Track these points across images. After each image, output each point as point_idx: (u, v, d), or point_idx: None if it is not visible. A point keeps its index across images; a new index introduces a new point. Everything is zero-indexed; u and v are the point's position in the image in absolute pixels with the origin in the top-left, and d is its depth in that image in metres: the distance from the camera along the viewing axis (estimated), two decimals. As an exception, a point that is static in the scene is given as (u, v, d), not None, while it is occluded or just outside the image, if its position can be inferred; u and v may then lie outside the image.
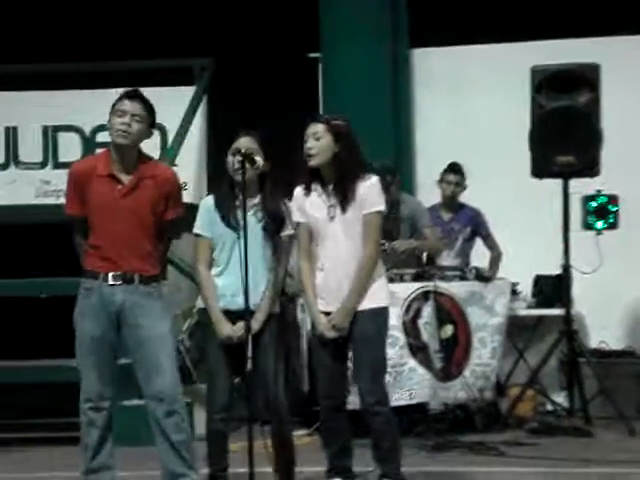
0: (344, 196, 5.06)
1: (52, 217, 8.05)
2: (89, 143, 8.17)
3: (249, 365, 4.81)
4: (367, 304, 5.08)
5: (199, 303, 5.29)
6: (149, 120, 4.96)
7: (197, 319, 7.91)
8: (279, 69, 8.89)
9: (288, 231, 5.19)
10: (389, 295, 5.31)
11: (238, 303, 4.98)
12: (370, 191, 5.09)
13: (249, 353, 4.82)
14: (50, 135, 8.21)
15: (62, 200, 8.00)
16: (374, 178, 5.13)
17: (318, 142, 5.07)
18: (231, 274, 5.06)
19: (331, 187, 5.11)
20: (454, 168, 8.00)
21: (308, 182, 5.15)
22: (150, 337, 4.92)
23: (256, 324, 5.06)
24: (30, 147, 8.19)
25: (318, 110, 8.83)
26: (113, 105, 4.95)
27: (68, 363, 7.37)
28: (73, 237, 5.06)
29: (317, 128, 5.09)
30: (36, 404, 7.53)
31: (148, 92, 5.04)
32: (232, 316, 5.07)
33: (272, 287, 5.15)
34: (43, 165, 8.20)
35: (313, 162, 5.09)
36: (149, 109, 4.96)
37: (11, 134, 8.21)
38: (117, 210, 4.91)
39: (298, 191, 5.20)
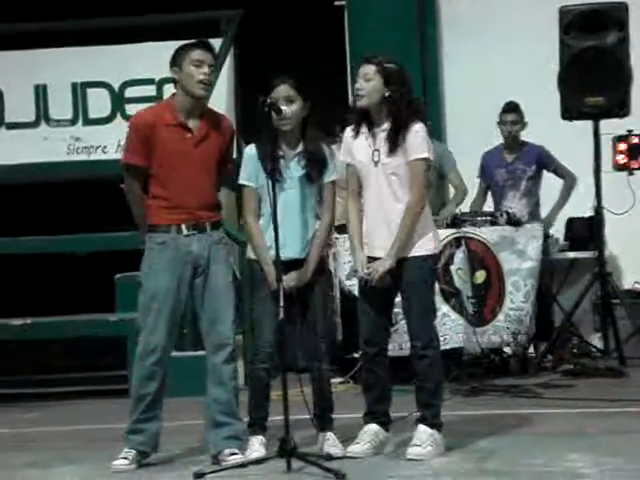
0: (392, 141, 4.97)
1: (84, 174, 8.16)
2: (118, 99, 8.18)
3: (281, 314, 4.82)
4: (416, 251, 5.01)
5: (249, 254, 5.20)
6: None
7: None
8: (306, 17, 8.85)
9: (332, 176, 5.13)
10: (439, 245, 5.25)
11: (285, 253, 4.94)
12: (414, 138, 4.98)
13: (281, 302, 4.84)
14: (79, 92, 8.22)
15: (93, 156, 8.19)
16: (418, 124, 5.01)
17: (367, 83, 4.99)
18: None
19: (379, 130, 5.03)
20: (510, 107, 7.83)
21: (358, 124, 5.08)
22: (217, 285, 5.00)
23: (307, 273, 5.05)
24: (60, 104, 8.20)
25: (345, 57, 8.81)
26: (180, 54, 4.93)
27: (106, 317, 7.51)
28: (127, 189, 5.04)
29: (368, 69, 5.01)
30: (73, 359, 7.62)
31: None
32: (281, 267, 4.97)
33: (320, 234, 5.09)
34: (73, 122, 8.21)
35: (361, 103, 5.02)
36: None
37: (41, 92, 8.22)
38: (189, 159, 4.94)
39: (348, 132, 5.12)
